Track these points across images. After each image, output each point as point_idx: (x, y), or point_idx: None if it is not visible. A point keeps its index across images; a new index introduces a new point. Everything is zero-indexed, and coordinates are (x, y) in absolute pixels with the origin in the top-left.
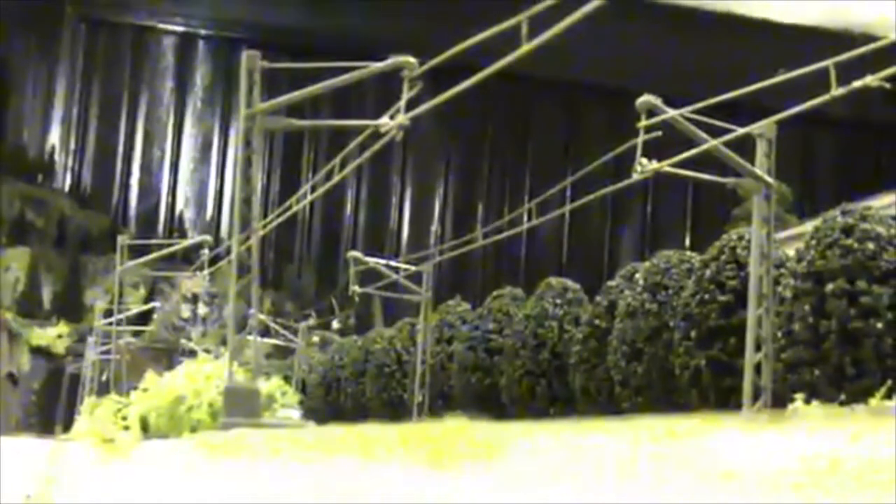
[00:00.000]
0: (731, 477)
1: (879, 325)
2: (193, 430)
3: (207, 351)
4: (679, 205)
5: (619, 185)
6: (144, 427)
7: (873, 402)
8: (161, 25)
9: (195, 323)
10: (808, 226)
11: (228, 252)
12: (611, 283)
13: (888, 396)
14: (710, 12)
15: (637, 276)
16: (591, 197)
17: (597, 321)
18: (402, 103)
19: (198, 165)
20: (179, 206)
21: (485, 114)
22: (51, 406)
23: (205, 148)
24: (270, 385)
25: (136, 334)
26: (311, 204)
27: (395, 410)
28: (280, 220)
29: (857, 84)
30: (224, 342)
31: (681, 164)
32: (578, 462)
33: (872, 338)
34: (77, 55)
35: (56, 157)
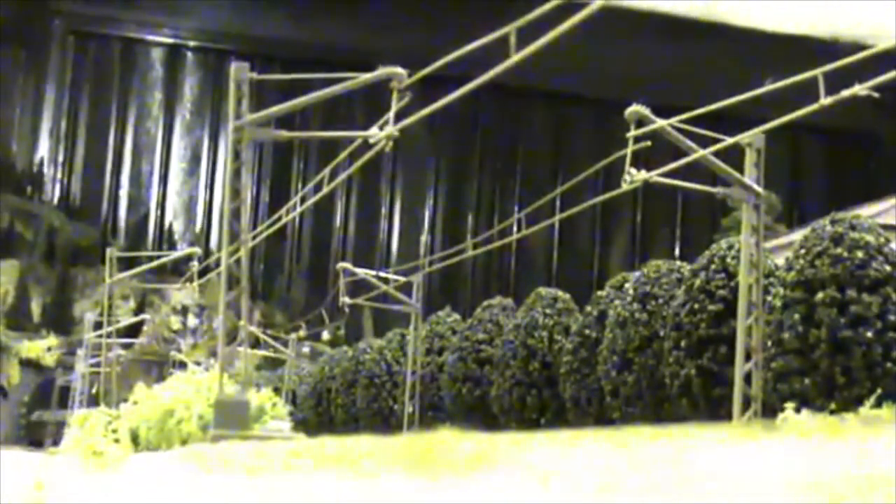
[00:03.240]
0: (722, 486)
1: (869, 334)
2: (184, 442)
3: (197, 363)
4: (668, 214)
5: (609, 194)
6: (135, 440)
7: (864, 410)
8: (149, 37)
9: (185, 334)
10: (798, 235)
11: (218, 263)
12: (601, 292)
13: (878, 405)
14: (700, 22)
15: (627, 285)
16: (581, 207)
17: (587, 331)
18: (391, 114)
19: (187, 177)
20: (169, 217)
21: (474, 124)
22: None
23: (194, 159)
24: (260, 397)
25: (125, 346)
26: (301, 215)
27: (386, 421)
28: (270, 231)
29: (845, 93)
30: (214, 354)
31: (670, 174)
32: (569, 472)
33: (862, 346)
34: (65, 67)
35: (45, 169)
